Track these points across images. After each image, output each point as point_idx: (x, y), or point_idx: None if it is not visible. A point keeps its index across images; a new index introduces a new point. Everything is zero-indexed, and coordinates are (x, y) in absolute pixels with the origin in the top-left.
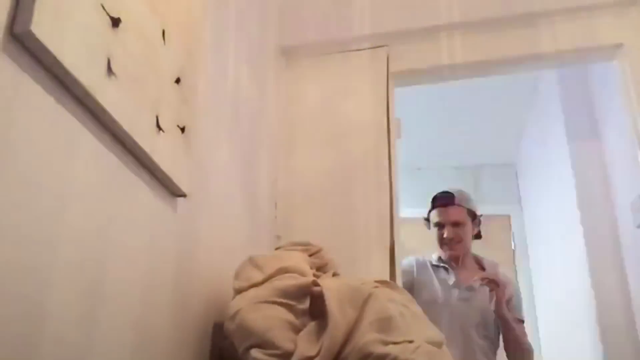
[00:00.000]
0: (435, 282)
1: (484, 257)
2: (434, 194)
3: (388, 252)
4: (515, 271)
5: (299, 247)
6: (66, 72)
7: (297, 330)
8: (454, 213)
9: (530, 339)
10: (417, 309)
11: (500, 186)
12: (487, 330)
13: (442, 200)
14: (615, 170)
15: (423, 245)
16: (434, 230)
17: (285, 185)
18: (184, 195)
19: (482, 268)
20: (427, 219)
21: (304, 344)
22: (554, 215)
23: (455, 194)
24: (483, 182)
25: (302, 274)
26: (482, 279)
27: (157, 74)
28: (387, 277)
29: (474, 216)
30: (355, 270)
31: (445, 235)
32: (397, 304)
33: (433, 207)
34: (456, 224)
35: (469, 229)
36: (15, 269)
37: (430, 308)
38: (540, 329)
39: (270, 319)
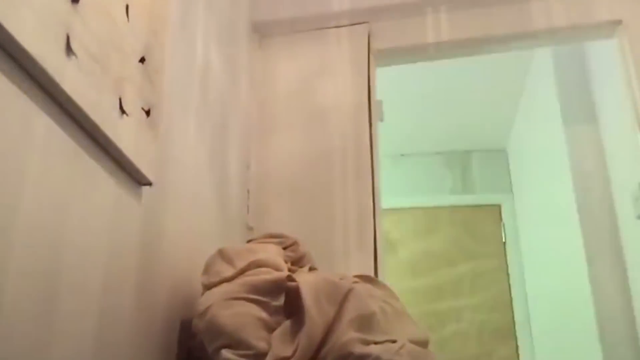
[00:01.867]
0: None
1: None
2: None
3: (371, 245)
4: (507, 265)
5: (273, 240)
6: (21, 50)
7: (271, 328)
8: None
9: (523, 338)
10: (400, 305)
11: (490, 174)
12: None
13: None
14: (614, 156)
15: (407, 237)
16: None
17: (258, 172)
18: (149, 184)
19: None
20: None
21: (279, 343)
22: (548, 205)
23: None
24: (472, 169)
25: (277, 269)
26: None
27: (120, 53)
28: (369, 273)
29: None
30: (334, 264)
31: None
32: (379, 300)
33: None
34: None
35: None
36: None
37: None
38: (533, 327)
39: (242, 317)
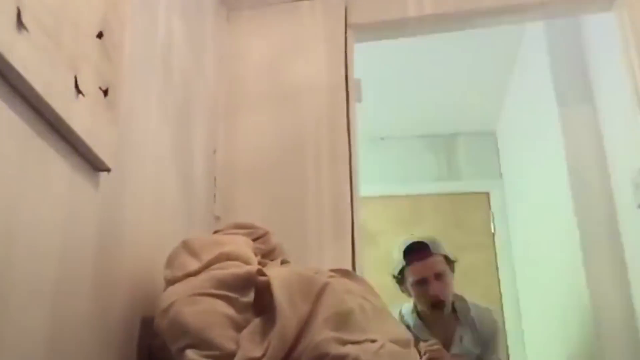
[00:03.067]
0: None
1: (472, 301)
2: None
3: (348, 236)
4: (496, 258)
5: (242, 230)
6: None
7: (239, 327)
8: (435, 264)
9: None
10: (379, 302)
11: (478, 158)
12: None
13: (419, 253)
14: (613, 139)
15: (387, 227)
16: (413, 289)
17: (226, 157)
18: (107, 170)
19: (457, 319)
20: (400, 276)
21: (248, 343)
22: (541, 193)
23: (429, 243)
24: (458, 154)
25: (246, 262)
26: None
27: (76, 28)
28: (347, 267)
29: (450, 263)
30: (308, 258)
31: (432, 293)
32: (357, 296)
33: (408, 262)
34: (439, 276)
35: (450, 279)
36: None
37: None
38: (524, 325)
39: (208, 315)
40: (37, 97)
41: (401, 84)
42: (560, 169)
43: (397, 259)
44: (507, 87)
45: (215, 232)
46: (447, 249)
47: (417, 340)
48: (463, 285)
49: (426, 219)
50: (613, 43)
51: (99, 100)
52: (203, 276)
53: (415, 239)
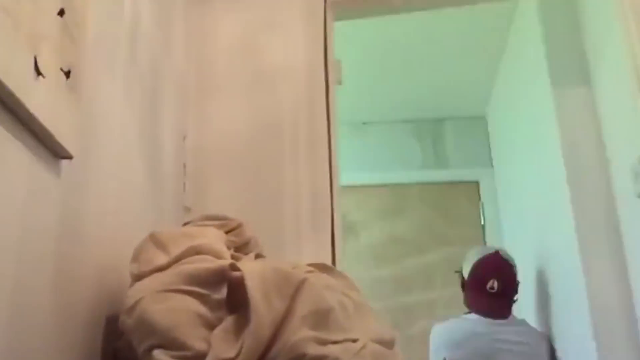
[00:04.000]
0: None
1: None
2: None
3: (327, 228)
4: None
5: (214, 222)
6: None
7: (211, 326)
8: None
9: None
10: (361, 298)
11: (466, 145)
12: None
13: None
14: (611, 124)
15: (370, 219)
16: None
17: (197, 144)
18: (68, 157)
19: None
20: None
21: (220, 343)
22: (535, 182)
23: None
24: (445, 140)
25: (218, 256)
26: None
27: (35, 4)
28: (326, 261)
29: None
30: (285, 251)
31: None
32: (337, 292)
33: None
34: None
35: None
36: None
37: None
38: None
39: (177, 313)
40: None
41: (384, 65)
42: (555, 156)
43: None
44: (498, 68)
45: (185, 224)
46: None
47: None
48: (451, 281)
49: (411, 209)
50: (611, 21)
51: (60, 83)
52: (172, 271)
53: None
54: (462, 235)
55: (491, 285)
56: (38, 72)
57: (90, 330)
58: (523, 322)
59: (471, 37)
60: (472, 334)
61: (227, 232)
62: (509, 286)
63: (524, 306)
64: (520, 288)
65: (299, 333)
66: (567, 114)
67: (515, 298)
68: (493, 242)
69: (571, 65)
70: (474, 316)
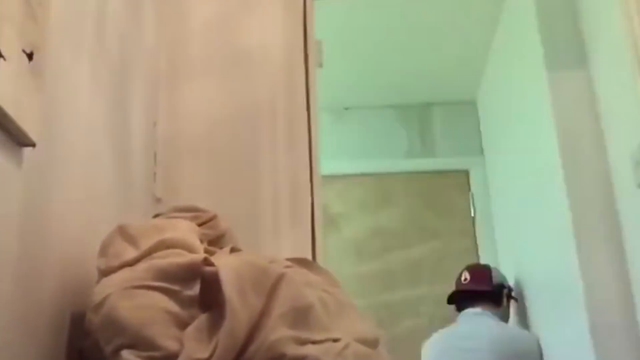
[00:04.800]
0: None
1: None
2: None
3: (307, 221)
4: (476, 246)
5: (186, 214)
6: None
7: (183, 324)
8: None
9: None
10: (343, 295)
11: (456, 132)
12: None
13: None
14: (610, 110)
15: (352, 211)
16: None
17: (168, 131)
18: (32, 144)
19: None
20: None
21: (193, 342)
22: (528, 171)
23: None
24: (433, 127)
25: (190, 250)
26: None
27: None
28: (306, 255)
29: None
30: (262, 245)
31: None
32: (317, 289)
33: None
34: None
35: None
36: None
37: None
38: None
39: (147, 310)
40: None
41: (368, 46)
42: (550, 143)
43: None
44: (489, 49)
45: (156, 215)
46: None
47: None
48: (439, 277)
49: (396, 201)
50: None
51: (22, 65)
52: (141, 266)
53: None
54: (451, 227)
55: (464, 277)
56: None
57: (54, 329)
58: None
59: (461, 16)
60: (440, 351)
61: (200, 225)
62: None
63: (517, 304)
64: (510, 282)
65: (277, 332)
66: (562, 98)
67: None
68: (483, 235)
69: (567, 47)
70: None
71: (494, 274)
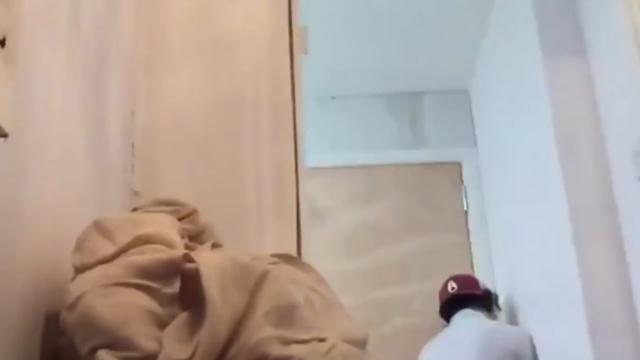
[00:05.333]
0: None
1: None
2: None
3: (292, 215)
4: (469, 241)
5: (165, 208)
6: None
7: (162, 323)
8: None
9: None
10: (330, 293)
11: (448, 122)
12: None
13: None
14: (609, 99)
15: (340, 204)
16: None
17: (146, 121)
18: (3, 135)
19: None
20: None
21: (173, 342)
22: (523, 163)
23: None
24: (424, 116)
25: (170, 245)
26: None
27: None
28: (291, 251)
29: None
30: (245, 240)
31: None
32: (303, 286)
33: None
34: None
35: None
36: None
37: None
38: (502, 321)
39: (124, 309)
40: None
41: (356, 32)
42: (546, 134)
43: None
44: (482, 36)
45: (134, 209)
46: None
47: None
48: (430, 274)
49: (385, 194)
50: None
51: None
52: (119, 262)
53: None
54: (443, 222)
55: (451, 287)
56: None
57: (27, 328)
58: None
59: (453, 2)
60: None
61: (180, 219)
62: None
63: (511, 302)
64: (503, 287)
65: (261, 331)
66: (560, 87)
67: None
68: (477, 230)
69: (564, 32)
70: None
71: (480, 280)
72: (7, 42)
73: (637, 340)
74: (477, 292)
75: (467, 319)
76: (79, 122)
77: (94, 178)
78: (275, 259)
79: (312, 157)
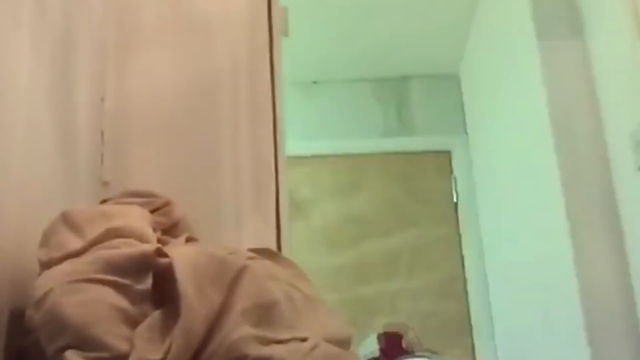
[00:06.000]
0: None
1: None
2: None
3: (272, 207)
4: (459, 234)
5: (137, 200)
6: None
7: (133, 322)
8: None
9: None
10: (312, 290)
11: (436, 108)
12: None
13: None
14: (607, 83)
15: (322, 196)
16: None
17: (117, 107)
18: None
19: None
20: None
21: (144, 343)
22: (517, 152)
23: None
24: (411, 102)
25: (141, 239)
26: None
27: None
28: (270, 246)
29: None
30: (221, 234)
31: None
32: (283, 283)
33: None
34: None
35: None
36: None
37: None
38: (495, 320)
39: (93, 306)
40: None
41: (339, 13)
42: (541, 121)
43: None
44: (474, 17)
45: (103, 201)
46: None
47: None
48: (418, 269)
49: (370, 184)
50: None
51: None
52: (87, 257)
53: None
54: (432, 214)
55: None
56: None
57: None
58: None
59: None
60: None
61: (152, 211)
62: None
63: (504, 302)
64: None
65: (239, 330)
66: (555, 71)
67: None
68: (467, 222)
69: (560, 13)
70: None
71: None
72: None
73: (637, 339)
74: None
75: None
76: (46, 108)
77: (61, 168)
78: (253, 254)
79: (292, 146)
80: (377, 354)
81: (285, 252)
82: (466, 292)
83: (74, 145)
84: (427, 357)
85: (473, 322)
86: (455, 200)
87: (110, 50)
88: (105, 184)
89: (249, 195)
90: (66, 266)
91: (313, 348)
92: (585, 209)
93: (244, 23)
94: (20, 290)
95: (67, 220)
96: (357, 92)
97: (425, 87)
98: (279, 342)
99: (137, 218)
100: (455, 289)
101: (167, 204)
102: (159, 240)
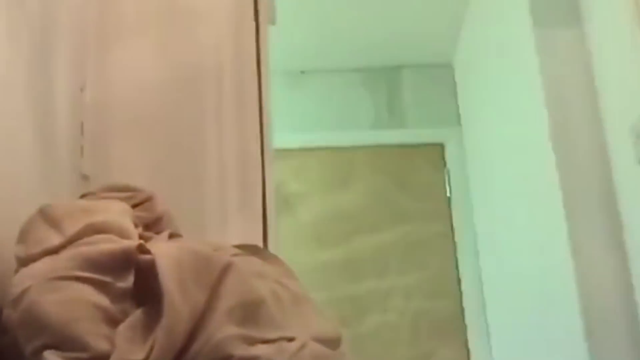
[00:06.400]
0: None
1: None
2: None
3: (258, 201)
4: (452, 230)
5: (118, 194)
6: None
7: (114, 321)
8: None
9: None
10: (300, 288)
11: (429, 99)
12: None
13: None
14: (606, 73)
15: (310, 190)
16: None
17: (97, 98)
18: None
19: None
20: None
21: (126, 342)
22: (512, 145)
23: None
24: (403, 93)
25: (123, 235)
26: None
27: None
28: (257, 242)
29: None
30: (205, 229)
31: None
32: (270, 280)
33: None
34: None
35: None
36: None
37: None
38: (489, 319)
39: (73, 305)
40: None
41: (328, 1)
42: (537, 113)
43: None
44: (467, 5)
45: (83, 195)
46: None
47: None
48: (410, 266)
49: (360, 178)
50: None
51: None
52: (66, 254)
53: None
54: (424, 209)
55: None
56: None
57: None
58: None
59: None
60: None
61: (134, 206)
62: None
63: (499, 300)
64: (490, 281)
65: (224, 330)
66: (552, 61)
67: None
68: (461, 217)
69: (557, 0)
70: None
71: None
72: None
73: (637, 338)
74: None
75: None
76: (23, 98)
77: (39, 161)
78: (239, 251)
79: (279, 138)
80: None
81: (272, 248)
82: (459, 290)
83: (52, 137)
84: None
85: (467, 320)
86: (448, 194)
87: (90, 39)
88: (85, 177)
89: (234, 189)
90: (45, 263)
91: (301, 348)
92: (584, 202)
93: (229, 10)
94: None
95: (46, 216)
96: (347, 83)
97: (418, 77)
98: (266, 341)
99: (118, 213)
100: (449, 286)
101: (149, 198)
102: (141, 236)
